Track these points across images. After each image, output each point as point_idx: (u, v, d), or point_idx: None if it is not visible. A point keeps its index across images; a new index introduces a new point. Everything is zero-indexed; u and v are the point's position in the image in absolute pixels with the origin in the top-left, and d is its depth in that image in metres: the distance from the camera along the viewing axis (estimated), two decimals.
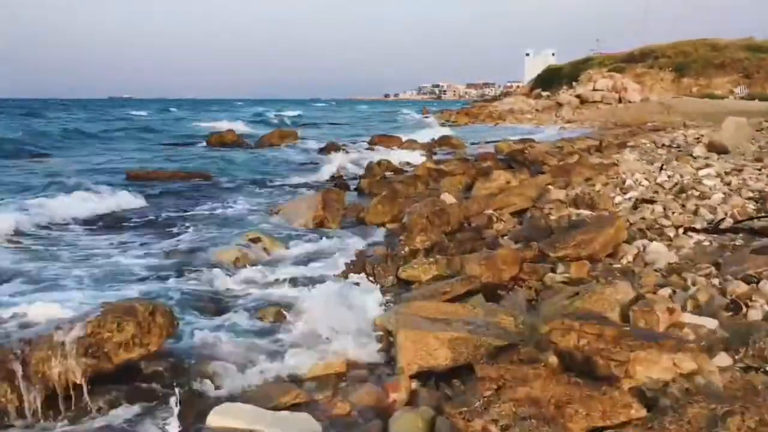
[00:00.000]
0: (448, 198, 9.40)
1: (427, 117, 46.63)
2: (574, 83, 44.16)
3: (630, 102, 36.18)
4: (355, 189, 11.46)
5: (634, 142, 18.12)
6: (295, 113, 51.75)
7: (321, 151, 19.25)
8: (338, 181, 12.38)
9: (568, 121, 34.38)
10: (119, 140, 24.44)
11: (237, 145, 21.92)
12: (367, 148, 20.27)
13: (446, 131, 26.44)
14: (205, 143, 22.56)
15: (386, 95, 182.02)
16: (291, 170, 15.03)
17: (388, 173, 13.81)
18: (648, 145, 17.16)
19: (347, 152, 19.05)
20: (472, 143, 22.44)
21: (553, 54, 75.22)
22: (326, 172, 13.94)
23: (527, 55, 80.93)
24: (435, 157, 17.93)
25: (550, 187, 9.34)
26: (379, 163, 14.89)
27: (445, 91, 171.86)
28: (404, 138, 21.81)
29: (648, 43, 46.51)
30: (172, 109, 60.37)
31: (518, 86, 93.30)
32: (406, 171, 14.44)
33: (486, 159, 14.59)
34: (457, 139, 22.27)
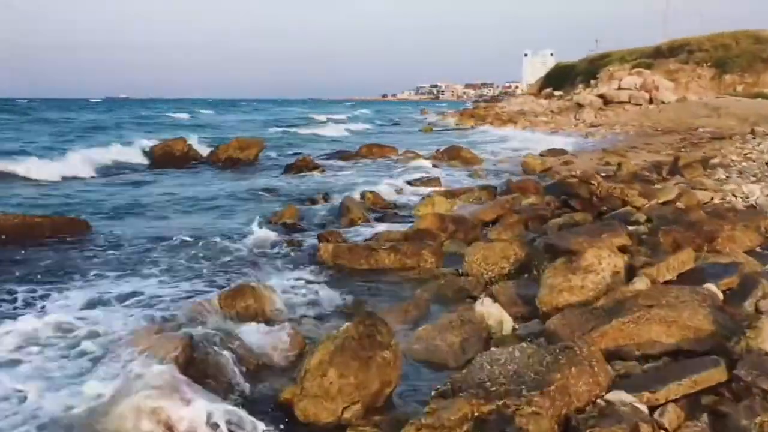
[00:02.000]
0: (491, 312, 4.36)
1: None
2: (592, 81, 38.97)
3: (663, 102, 31.03)
4: (313, 260, 6.37)
5: (719, 157, 13.06)
6: (344, 116, 45.88)
7: (286, 170, 14.14)
8: (287, 236, 7.18)
9: (591, 125, 29.30)
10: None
11: (188, 160, 16.88)
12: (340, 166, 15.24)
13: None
14: (144, 156, 17.38)
15: (384, 95, 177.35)
16: (229, 210, 9.97)
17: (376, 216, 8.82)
18: (744, 164, 12.15)
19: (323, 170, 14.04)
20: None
21: (551, 54, 73.36)
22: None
23: (525, 55, 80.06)
24: (443, 174, 13.03)
25: (715, 292, 4.25)
26: (363, 195, 9.93)
27: (443, 91, 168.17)
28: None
29: (670, 37, 41.45)
30: (205, 111, 53.82)
31: (517, 86, 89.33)
32: (402, 206, 9.49)
33: (526, 189, 9.52)
34: (469, 150, 17.28)
